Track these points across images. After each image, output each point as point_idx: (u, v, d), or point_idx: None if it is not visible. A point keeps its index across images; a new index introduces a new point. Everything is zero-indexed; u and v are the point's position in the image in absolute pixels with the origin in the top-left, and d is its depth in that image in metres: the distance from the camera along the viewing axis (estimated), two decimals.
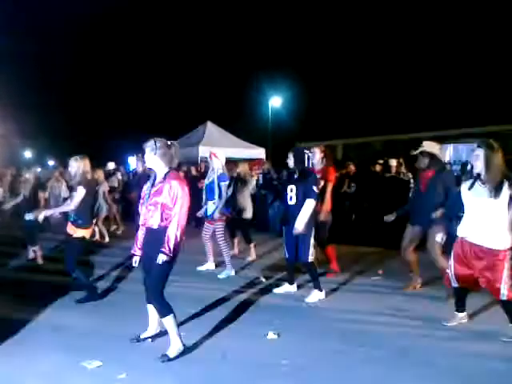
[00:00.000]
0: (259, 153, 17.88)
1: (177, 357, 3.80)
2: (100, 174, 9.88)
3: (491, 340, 4.19)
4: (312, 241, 5.44)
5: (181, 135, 17.78)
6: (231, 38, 38.82)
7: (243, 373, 3.61)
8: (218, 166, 6.77)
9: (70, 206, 5.42)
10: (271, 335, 4.32)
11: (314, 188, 5.35)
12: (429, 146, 5.59)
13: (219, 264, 7.09)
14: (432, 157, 5.53)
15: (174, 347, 3.84)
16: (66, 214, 5.83)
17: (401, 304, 5.31)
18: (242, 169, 8.30)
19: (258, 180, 11.30)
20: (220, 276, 6.61)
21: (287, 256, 5.61)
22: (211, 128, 17.51)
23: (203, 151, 15.41)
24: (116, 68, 40.58)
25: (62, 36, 41.93)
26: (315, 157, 6.25)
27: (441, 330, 4.46)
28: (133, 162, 15.87)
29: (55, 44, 42.51)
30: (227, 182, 6.77)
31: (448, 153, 11.71)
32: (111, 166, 13.37)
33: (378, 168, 11.41)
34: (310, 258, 5.42)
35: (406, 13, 31.35)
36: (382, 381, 3.52)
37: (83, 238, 5.48)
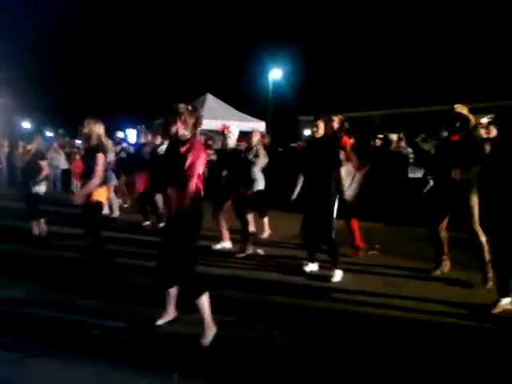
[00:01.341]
0: (260, 126, 17.77)
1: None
2: (108, 142, 9.67)
3: None
4: (335, 215, 5.41)
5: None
6: (231, 9, 38.13)
7: None
8: (232, 142, 6.69)
9: (96, 178, 5.16)
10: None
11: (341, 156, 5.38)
12: (460, 108, 5.33)
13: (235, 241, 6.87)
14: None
15: (209, 331, 3.68)
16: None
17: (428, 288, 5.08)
18: (253, 139, 7.68)
19: None
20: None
21: (305, 232, 5.58)
22: (211, 100, 17.36)
23: (203, 123, 15.31)
24: (114, 40, 39.92)
25: (61, 13, 41.14)
26: (334, 126, 6.05)
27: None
28: (132, 134, 15.81)
29: (53, 20, 41.72)
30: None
31: None
32: (121, 135, 13.06)
33: (378, 142, 11.39)
34: (332, 235, 5.39)
35: None
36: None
37: (100, 202, 5.34)
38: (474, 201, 4.99)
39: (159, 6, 39.03)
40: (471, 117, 5.24)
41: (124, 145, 11.13)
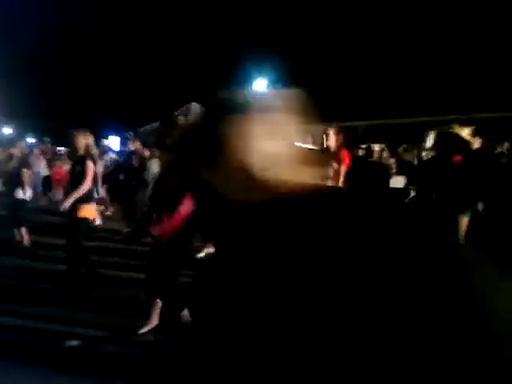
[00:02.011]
0: None
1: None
2: (95, 152, 9.58)
3: None
4: None
5: (164, 116, 17.62)
6: (217, 20, 38.30)
7: None
8: None
9: (84, 185, 5.04)
10: None
11: None
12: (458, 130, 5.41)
13: None
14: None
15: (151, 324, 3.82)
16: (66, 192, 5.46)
17: None
18: None
19: None
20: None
21: None
22: (196, 109, 17.37)
23: None
24: (97, 49, 39.79)
25: (47, 20, 40.83)
26: (330, 138, 5.85)
27: None
28: (115, 141, 15.67)
29: (39, 28, 41.43)
30: None
31: (428, 140, 11.87)
32: (107, 143, 12.97)
33: (360, 152, 11.49)
34: None
35: None
36: None
37: (86, 219, 5.19)
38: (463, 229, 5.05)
39: (143, 15, 39.01)
40: (470, 139, 5.34)
41: (112, 155, 11.09)
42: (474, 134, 8.05)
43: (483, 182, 4.83)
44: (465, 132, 5.36)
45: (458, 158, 5.21)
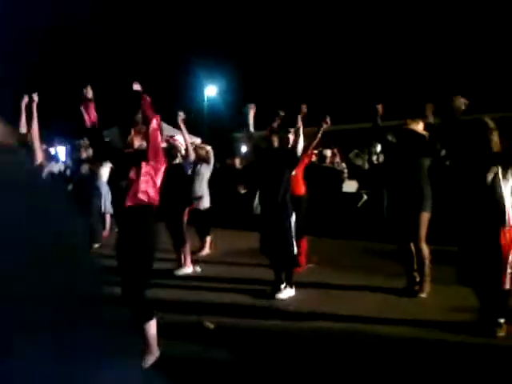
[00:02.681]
0: (195, 141, 17.68)
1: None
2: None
3: None
4: (294, 231, 5.14)
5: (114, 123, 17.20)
6: (165, 20, 37.92)
7: None
8: (181, 152, 6.41)
9: None
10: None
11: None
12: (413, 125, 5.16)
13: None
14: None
15: (151, 356, 3.51)
16: None
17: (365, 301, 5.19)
18: (202, 153, 7.54)
19: None
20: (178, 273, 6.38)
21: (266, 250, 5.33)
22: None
23: None
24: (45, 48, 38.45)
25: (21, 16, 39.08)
26: (289, 141, 5.75)
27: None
28: (61, 151, 15.11)
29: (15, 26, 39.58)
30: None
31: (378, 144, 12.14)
32: (52, 151, 12.31)
33: (313, 158, 11.58)
34: (295, 251, 5.17)
35: None
36: None
37: None
38: (424, 218, 5.03)
39: (96, 14, 37.98)
40: (426, 133, 5.08)
41: (60, 163, 10.68)
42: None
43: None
44: (421, 126, 5.25)
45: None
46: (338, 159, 10.77)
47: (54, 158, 11.24)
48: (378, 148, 6.23)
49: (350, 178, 10.07)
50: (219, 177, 11.03)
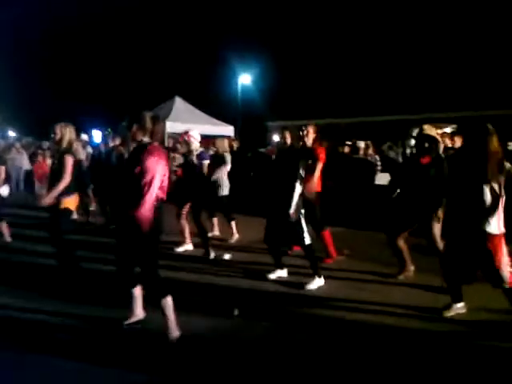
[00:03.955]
0: (228, 130, 17.77)
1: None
2: (79, 146, 9.37)
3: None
4: (304, 223, 5.28)
5: (148, 110, 17.44)
6: (201, 11, 38.05)
7: None
8: (196, 146, 6.62)
9: (65, 178, 4.98)
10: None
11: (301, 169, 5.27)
12: (428, 130, 5.40)
13: (197, 245, 6.86)
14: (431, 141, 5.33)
15: (175, 332, 3.73)
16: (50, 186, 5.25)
17: (394, 292, 5.17)
18: (220, 145, 8.02)
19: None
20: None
21: (268, 238, 5.51)
22: (179, 103, 17.22)
23: (171, 126, 15.19)
24: (81, 41, 39.19)
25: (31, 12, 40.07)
26: (308, 136, 5.96)
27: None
28: (97, 135, 15.45)
29: (21, 19, 40.66)
30: (208, 161, 6.63)
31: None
32: (85, 137, 12.72)
33: (346, 149, 11.51)
34: (307, 241, 5.27)
35: None
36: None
37: (69, 210, 5.15)
38: (437, 226, 5.18)
39: (129, 7, 38.50)
40: (439, 138, 5.40)
41: (89, 150, 10.82)
42: (454, 133, 8.13)
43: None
44: (436, 132, 5.48)
45: (426, 160, 5.33)
46: (371, 151, 10.65)
47: (89, 143, 11.52)
48: (412, 142, 6.12)
49: (383, 170, 9.95)
50: (251, 165, 11.10)
